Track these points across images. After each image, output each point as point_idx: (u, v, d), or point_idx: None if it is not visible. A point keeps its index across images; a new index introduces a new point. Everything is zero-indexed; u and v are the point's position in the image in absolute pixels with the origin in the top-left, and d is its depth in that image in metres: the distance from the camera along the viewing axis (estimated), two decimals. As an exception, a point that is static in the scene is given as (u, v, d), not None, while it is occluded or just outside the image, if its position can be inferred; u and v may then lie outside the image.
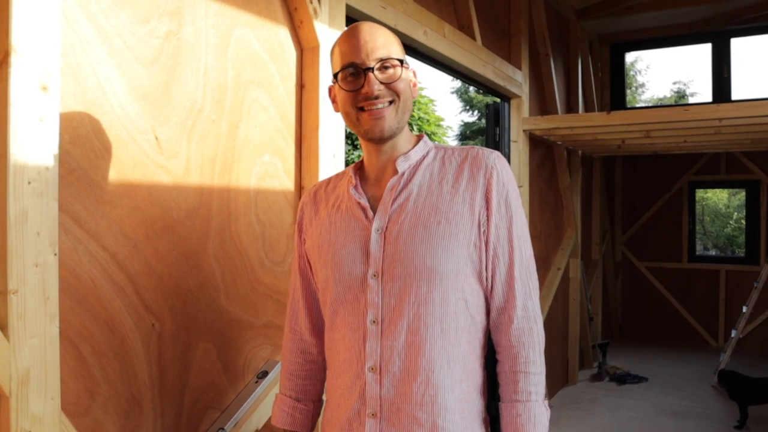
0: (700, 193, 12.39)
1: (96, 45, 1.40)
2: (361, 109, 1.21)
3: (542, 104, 4.67)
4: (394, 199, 1.22)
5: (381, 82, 1.20)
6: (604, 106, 6.41)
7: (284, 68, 1.97)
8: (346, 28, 1.78)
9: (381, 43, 1.22)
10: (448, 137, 16.78)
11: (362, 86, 1.20)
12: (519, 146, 4.09)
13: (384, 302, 1.18)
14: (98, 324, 1.41)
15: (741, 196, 7.19)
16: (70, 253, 1.34)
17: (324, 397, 1.37)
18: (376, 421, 1.18)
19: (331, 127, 2.07)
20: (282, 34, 1.96)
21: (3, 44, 1.18)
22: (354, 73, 1.21)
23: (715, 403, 4.66)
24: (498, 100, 4.04)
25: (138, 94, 1.49)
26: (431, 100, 15.48)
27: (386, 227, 1.21)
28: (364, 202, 1.25)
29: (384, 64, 1.21)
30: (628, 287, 7.03)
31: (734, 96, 6.06)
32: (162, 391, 1.56)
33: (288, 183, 2.00)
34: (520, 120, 4.10)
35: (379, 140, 1.23)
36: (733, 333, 5.23)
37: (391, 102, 1.21)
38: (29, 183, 1.21)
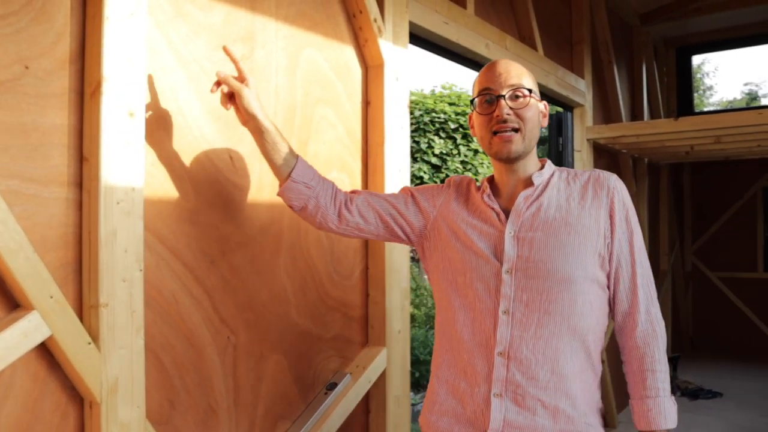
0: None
1: (176, 71, 1.48)
2: (495, 133, 1.38)
3: (606, 112, 4.57)
4: (527, 207, 1.38)
5: (511, 108, 1.36)
6: (671, 111, 6.20)
7: (350, 86, 2.02)
8: (408, 45, 1.80)
9: (514, 75, 1.38)
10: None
11: (494, 111, 1.36)
12: (583, 156, 4.01)
13: (516, 296, 1.33)
14: (179, 337, 1.47)
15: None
16: (153, 269, 1.41)
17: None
18: (501, 400, 1.31)
19: (397, 143, 2.10)
20: (348, 53, 2.01)
21: (96, 75, 1.27)
22: (488, 100, 1.39)
23: (796, 422, 4.42)
24: (561, 109, 3.99)
25: (214, 116, 1.57)
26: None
27: (519, 231, 1.36)
28: (498, 207, 1.41)
29: (515, 93, 1.37)
30: (700, 299, 6.75)
31: (812, 98, 5.77)
32: (237, 401, 1.62)
33: (354, 198, 2.03)
34: (583, 129, 4.03)
35: (507, 161, 1.40)
36: (816, 348, 4.96)
37: (517, 129, 1.37)
38: (118, 203, 1.29)
